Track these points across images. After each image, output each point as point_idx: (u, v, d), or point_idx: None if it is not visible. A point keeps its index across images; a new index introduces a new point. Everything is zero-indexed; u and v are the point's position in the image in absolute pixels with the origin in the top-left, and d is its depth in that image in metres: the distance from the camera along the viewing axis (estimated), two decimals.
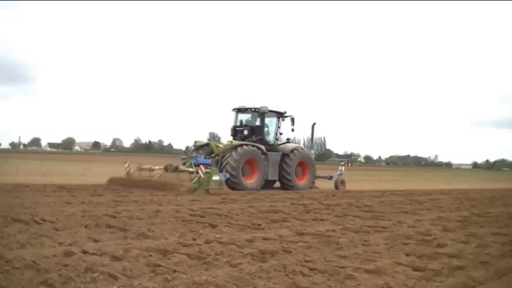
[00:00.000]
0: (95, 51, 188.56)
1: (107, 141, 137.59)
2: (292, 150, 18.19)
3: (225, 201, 11.83)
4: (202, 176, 14.13)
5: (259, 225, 7.87)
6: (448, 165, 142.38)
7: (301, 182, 18.47)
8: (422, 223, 9.07)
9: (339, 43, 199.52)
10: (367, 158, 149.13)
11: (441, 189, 22.63)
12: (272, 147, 18.10)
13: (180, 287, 4.07)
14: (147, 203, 10.42)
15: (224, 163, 16.10)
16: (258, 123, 18.25)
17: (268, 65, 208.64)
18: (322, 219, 9.00)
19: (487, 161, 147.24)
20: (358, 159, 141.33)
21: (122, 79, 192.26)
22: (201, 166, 14.50)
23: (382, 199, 14.91)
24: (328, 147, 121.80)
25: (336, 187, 19.73)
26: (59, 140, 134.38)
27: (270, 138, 18.54)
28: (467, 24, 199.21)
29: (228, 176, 15.51)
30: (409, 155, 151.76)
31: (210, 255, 5.26)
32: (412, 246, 6.48)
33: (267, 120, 18.45)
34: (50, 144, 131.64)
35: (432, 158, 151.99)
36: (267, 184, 17.96)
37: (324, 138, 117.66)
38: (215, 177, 14.30)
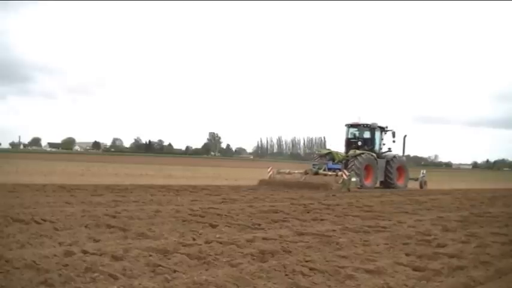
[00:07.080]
0: (95, 50, 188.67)
1: (107, 141, 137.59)
2: (393, 157, 22.79)
3: (225, 201, 11.85)
4: (345, 178, 18.37)
5: (259, 225, 7.87)
6: (448, 165, 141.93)
7: (400, 183, 22.86)
8: (422, 223, 9.08)
9: (337, 42, 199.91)
10: None
11: (441, 189, 22.70)
12: (378, 155, 22.28)
13: (180, 287, 4.06)
14: (147, 203, 10.44)
15: (350, 167, 20.10)
16: (368, 136, 22.78)
17: (264, 65, 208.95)
18: (322, 219, 9.00)
19: (487, 160, 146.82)
20: None
21: (121, 79, 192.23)
22: (344, 170, 19.06)
23: (382, 199, 14.93)
24: (328, 147, 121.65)
25: (421, 186, 23.80)
26: (59, 140, 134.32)
27: (376, 148, 22.83)
28: (466, 23, 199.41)
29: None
30: (409, 155, 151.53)
31: (210, 255, 5.25)
32: (412, 246, 6.48)
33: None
34: (50, 144, 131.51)
35: (432, 158, 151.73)
36: None
37: (324, 138, 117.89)
38: (353, 179, 18.76)
